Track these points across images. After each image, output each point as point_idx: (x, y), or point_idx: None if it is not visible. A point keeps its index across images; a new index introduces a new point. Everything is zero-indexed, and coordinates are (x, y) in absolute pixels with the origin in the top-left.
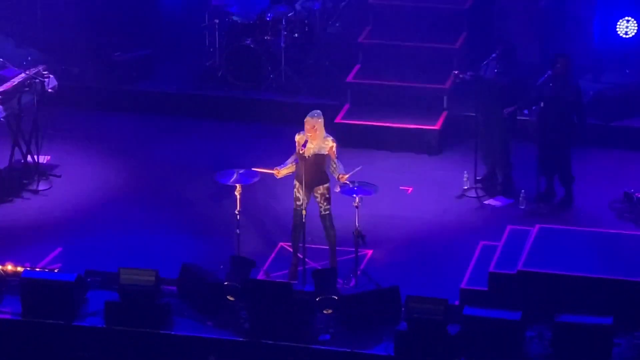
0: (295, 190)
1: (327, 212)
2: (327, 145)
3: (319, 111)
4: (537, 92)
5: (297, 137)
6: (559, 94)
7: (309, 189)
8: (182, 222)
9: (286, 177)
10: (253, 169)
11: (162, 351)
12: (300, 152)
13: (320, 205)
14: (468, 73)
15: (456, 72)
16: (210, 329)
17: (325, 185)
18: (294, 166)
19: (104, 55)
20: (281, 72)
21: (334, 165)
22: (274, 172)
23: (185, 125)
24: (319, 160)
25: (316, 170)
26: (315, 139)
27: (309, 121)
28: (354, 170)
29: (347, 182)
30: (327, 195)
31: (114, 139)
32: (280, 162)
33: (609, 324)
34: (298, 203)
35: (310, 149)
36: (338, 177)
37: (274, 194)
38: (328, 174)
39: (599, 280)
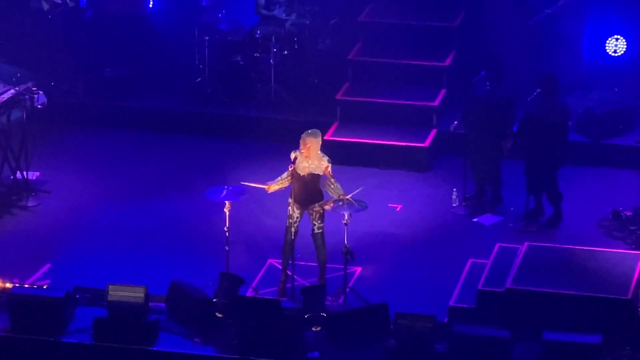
0: (289, 207)
1: (321, 230)
2: (323, 165)
3: (317, 130)
4: (526, 111)
5: (293, 155)
6: (547, 114)
7: (304, 207)
8: (171, 239)
9: (276, 194)
10: (242, 183)
11: None
12: (290, 168)
13: (314, 223)
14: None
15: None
16: (199, 346)
17: (321, 203)
18: (287, 181)
19: (94, 72)
20: (271, 89)
21: (333, 186)
22: (265, 187)
23: (174, 142)
24: (314, 179)
25: (311, 189)
26: (309, 157)
27: (303, 139)
28: (356, 191)
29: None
30: (322, 213)
31: (103, 155)
32: (269, 179)
33: (597, 342)
34: (291, 221)
35: (306, 167)
36: (339, 197)
37: (263, 210)
38: (323, 193)
39: (588, 297)
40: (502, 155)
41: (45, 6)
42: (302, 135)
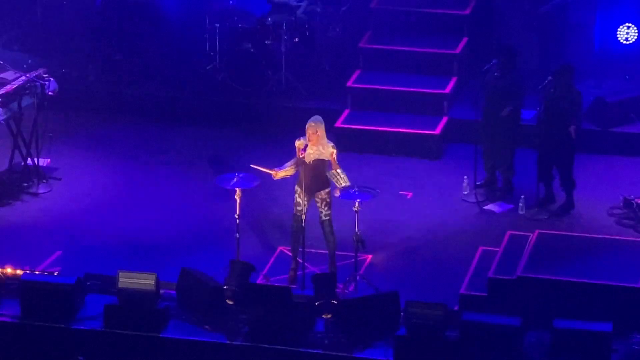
0: (296, 195)
1: (328, 217)
2: (328, 151)
3: (319, 117)
4: (539, 97)
5: (297, 143)
6: (559, 101)
7: (310, 194)
8: (181, 226)
9: (285, 181)
10: (252, 166)
11: (160, 355)
12: (301, 156)
13: (321, 210)
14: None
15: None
16: (209, 333)
17: (326, 190)
18: (292, 169)
19: (105, 59)
20: (281, 76)
21: (338, 175)
22: (272, 172)
23: (185, 128)
24: (320, 165)
25: (317, 175)
26: (316, 144)
27: (311, 126)
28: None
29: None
30: (328, 200)
31: (113, 142)
32: (279, 166)
33: (608, 330)
34: (298, 208)
35: (311, 154)
36: (341, 187)
37: (273, 198)
38: (329, 179)
39: (598, 286)
40: (515, 143)
41: None
42: (311, 123)
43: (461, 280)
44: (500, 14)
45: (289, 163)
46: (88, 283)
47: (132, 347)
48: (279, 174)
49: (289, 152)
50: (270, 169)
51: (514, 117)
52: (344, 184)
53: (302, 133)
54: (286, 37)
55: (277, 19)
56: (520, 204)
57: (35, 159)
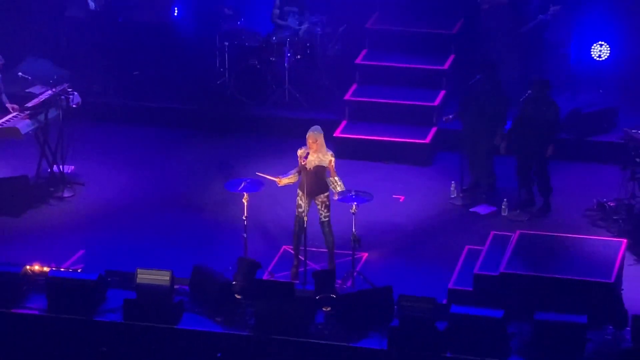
0: (298, 198)
1: (327, 218)
2: (327, 158)
3: (319, 127)
4: (519, 111)
5: (299, 152)
6: (537, 113)
7: (311, 197)
8: (194, 227)
9: (288, 187)
10: (258, 173)
11: (175, 345)
12: (303, 164)
13: (321, 212)
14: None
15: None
16: (220, 324)
17: (326, 193)
18: (295, 177)
19: (123, 74)
20: (285, 90)
21: (335, 182)
22: (277, 179)
23: (197, 138)
24: (320, 171)
25: (317, 181)
26: (316, 152)
27: (311, 136)
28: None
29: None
30: (327, 203)
31: (131, 150)
32: (283, 172)
33: (583, 321)
34: (300, 210)
35: (312, 161)
36: (336, 194)
37: (277, 201)
38: (328, 184)
39: (574, 281)
40: (496, 151)
41: (92, 5)
42: (311, 133)
43: (449, 276)
44: (484, 33)
45: (292, 171)
46: (109, 279)
47: (149, 337)
48: (283, 180)
49: (292, 158)
50: (275, 176)
51: (495, 129)
52: (340, 190)
53: (303, 141)
54: (289, 55)
55: (281, 38)
56: (502, 207)
57: (61, 166)
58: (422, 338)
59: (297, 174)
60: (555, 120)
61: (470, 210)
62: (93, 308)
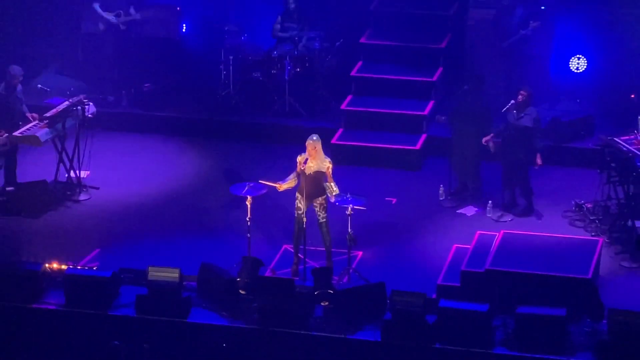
0: (297, 201)
1: (325, 220)
2: (325, 165)
3: (317, 135)
4: (503, 119)
5: (299, 158)
6: (520, 121)
7: (309, 200)
8: (201, 228)
9: (288, 190)
10: (260, 181)
11: (184, 337)
12: (302, 169)
13: (319, 214)
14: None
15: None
16: (225, 318)
17: (323, 196)
18: (294, 181)
19: (135, 86)
20: (285, 100)
21: (331, 187)
22: (277, 185)
23: (203, 145)
24: (318, 176)
25: (316, 185)
26: (315, 158)
27: (310, 143)
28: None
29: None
30: (325, 205)
31: (143, 156)
32: (284, 177)
33: (562, 315)
34: (299, 212)
35: (311, 167)
36: (332, 197)
37: (278, 204)
38: (325, 188)
39: (554, 277)
40: (483, 155)
41: (102, 27)
42: (310, 141)
43: (438, 273)
44: (470, 47)
45: (290, 176)
46: (122, 276)
47: (160, 330)
48: (283, 186)
49: (292, 164)
50: (276, 182)
51: (481, 136)
52: (335, 194)
53: (303, 148)
54: (289, 68)
55: (282, 52)
56: (488, 208)
57: (77, 172)
58: (413, 330)
59: (295, 178)
60: (536, 124)
61: (458, 211)
62: (108, 303)
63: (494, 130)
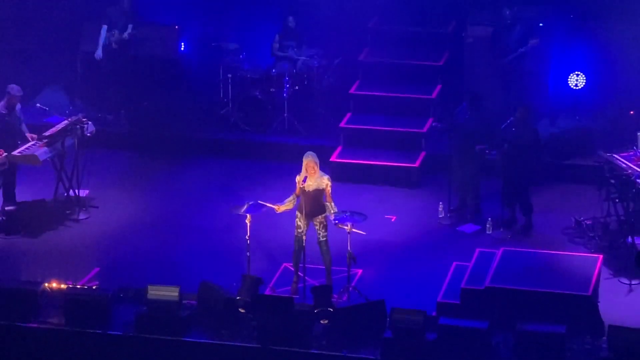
0: (297, 219)
1: (325, 238)
2: (324, 182)
3: (313, 152)
4: (502, 135)
5: (298, 178)
6: (519, 138)
7: (309, 219)
8: (200, 246)
9: (287, 209)
10: (259, 201)
11: (183, 356)
12: (302, 187)
13: (319, 232)
14: (440, 124)
15: (434, 124)
16: (225, 336)
17: (323, 214)
18: (292, 203)
19: (134, 105)
20: (284, 118)
21: (330, 206)
22: (275, 207)
23: (203, 163)
24: (318, 194)
25: (315, 203)
26: (314, 176)
27: (309, 162)
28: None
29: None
30: (325, 224)
31: (142, 175)
32: (283, 195)
33: (562, 331)
34: (299, 230)
35: (311, 185)
36: (332, 215)
37: (278, 222)
38: (325, 206)
39: (554, 294)
40: (481, 174)
41: (99, 55)
42: (309, 160)
43: (438, 290)
44: (469, 65)
45: (288, 199)
46: (121, 295)
47: (159, 349)
48: (281, 208)
49: (291, 182)
50: (274, 204)
51: (481, 154)
52: (333, 212)
53: (302, 165)
54: (288, 86)
55: (280, 70)
56: (487, 226)
57: (76, 190)
58: (413, 348)
59: (293, 200)
60: (536, 142)
61: (457, 229)
62: (107, 322)
63: (497, 150)
